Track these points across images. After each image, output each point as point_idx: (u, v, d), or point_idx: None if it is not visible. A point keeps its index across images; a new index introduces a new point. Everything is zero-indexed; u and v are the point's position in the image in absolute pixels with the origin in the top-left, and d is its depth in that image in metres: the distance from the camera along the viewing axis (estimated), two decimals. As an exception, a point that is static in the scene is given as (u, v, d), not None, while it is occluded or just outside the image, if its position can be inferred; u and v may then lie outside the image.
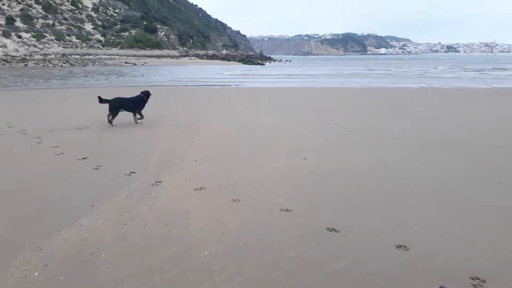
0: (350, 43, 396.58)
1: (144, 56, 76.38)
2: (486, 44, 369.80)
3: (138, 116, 9.64)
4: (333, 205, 4.57)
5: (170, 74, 34.12)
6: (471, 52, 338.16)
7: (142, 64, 54.36)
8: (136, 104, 9.58)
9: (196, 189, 5.03)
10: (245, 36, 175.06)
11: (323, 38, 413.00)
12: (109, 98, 9.41)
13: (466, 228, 3.98)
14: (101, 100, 9.24)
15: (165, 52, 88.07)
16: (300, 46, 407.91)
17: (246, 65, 63.95)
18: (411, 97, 16.37)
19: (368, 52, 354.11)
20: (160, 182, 5.29)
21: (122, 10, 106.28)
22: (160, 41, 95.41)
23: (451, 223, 4.11)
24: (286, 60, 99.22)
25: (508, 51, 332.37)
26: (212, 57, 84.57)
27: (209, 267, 3.25)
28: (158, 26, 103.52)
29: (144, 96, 9.66)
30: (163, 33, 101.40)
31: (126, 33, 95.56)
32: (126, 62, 55.68)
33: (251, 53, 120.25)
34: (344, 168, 6.00)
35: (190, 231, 3.90)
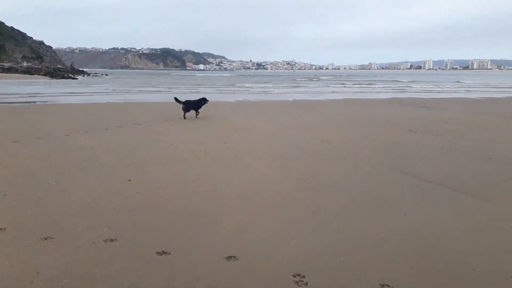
0: (170, 58, 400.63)
1: None
2: (287, 62, 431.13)
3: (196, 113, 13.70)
4: (162, 227, 4.41)
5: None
6: (276, 69, 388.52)
7: None
8: (199, 105, 13.71)
9: (-8, 232, 4.11)
10: (51, 47, 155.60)
11: (141, 52, 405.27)
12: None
13: (285, 229, 4.42)
14: (178, 101, 13.69)
15: None
16: (117, 59, 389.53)
17: (55, 79, 57.12)
18: (232, 111, 17.57)
19: (188, 68, 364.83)
20: None
21: None
22: None
23: (271, 226, 4.49)
24: (102, 74, 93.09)
25: (304, 69, 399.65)
26: (9, 70, 71.70)
27: (14, 328, 2.66)
28: None
29: (202, 101, 13.81)
30: None
31: None
32: None
33: (59, 66, 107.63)
34: (171, 185, 5.91)
35: (-14, 286, 3.14)
